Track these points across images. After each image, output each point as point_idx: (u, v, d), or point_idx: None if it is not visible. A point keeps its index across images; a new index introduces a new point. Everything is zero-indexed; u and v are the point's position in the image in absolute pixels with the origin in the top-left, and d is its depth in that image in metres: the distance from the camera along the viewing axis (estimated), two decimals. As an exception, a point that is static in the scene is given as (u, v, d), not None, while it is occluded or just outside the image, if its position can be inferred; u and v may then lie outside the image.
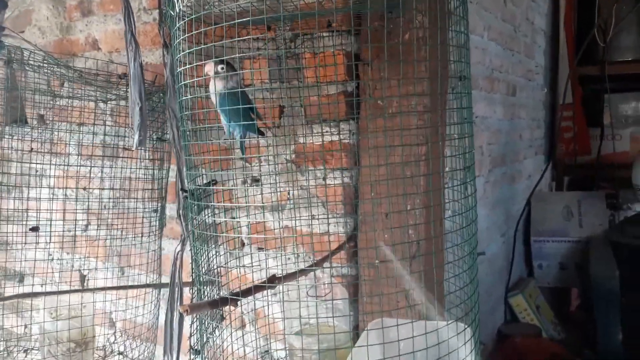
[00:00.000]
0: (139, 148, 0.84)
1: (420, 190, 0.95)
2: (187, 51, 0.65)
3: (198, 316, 0.76)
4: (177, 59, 0.68)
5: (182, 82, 0.68)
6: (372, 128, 1.01)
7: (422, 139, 0.95)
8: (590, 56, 2.68)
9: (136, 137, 0.80)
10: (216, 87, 0.74)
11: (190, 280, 0.82)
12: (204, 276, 0.77)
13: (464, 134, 0.74)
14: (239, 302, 0.96)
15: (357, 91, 1.02)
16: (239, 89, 0.76)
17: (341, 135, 1.03)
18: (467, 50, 0.72)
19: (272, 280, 0.67)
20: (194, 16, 0.64)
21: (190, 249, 0.77)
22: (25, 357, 1.38)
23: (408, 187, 0.94)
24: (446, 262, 0.86)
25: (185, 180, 0.76)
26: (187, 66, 0.69)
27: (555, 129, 2.78)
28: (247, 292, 0.65)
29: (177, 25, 0.67)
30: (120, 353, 1.38)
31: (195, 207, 0.74)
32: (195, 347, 0.75)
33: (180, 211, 0.86)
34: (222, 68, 0.75)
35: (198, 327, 0.76)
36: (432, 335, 0.71)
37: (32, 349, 1.37)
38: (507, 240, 2.21)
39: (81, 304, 1.26)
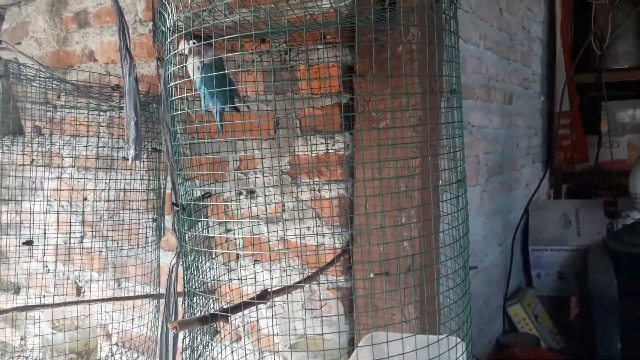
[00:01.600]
0: (134, 161, 0.84)
1: (415, 203, 0.95)
2: (178, 66, 0.65)
3: (190, 331, 0.76)
4: (168, 73, 0.68)
5: (174, 97, 0.68)
6: (366, 140, 1.01)
7: (416, 151, 0.96)
8: (587, 64, 2.69)
9: (132, 150, 0.80)
10: (193, 61, 0.73)
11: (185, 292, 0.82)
12: (196, 290, 0.76)
13: (456, 148, 0.74)
14: (231, 317, 0.95)
15: (352, 103, 1.02)
16: (214, 57, 0.75)
17: (336, 147, 1.03)
18: (458, 64, 0.72)
19: (264, 296, 0.67)
20: (183, 32, 0.64)
21: (182, 263, 0.77)
22: None
23: (402, 200, 0.94)
24: (440, 275, 0.85)
25: (177, 194, 0.76)
26: (178, 81, 0.69)
27: (553, 137, 2.78)
28: (236, 309, 0.64)
29: (169, 39, 0.67)
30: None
31: (186, 221, 0.74)
32: (187, 362, 0.75)
33: (175, 224, 0.86)
34: (194, 42, 0.74)
35: (190, 342, 0.75)
36: (426, 349, 0.71)
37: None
38: (504, 249, 2.21)
39: (77, 316, 1.26)
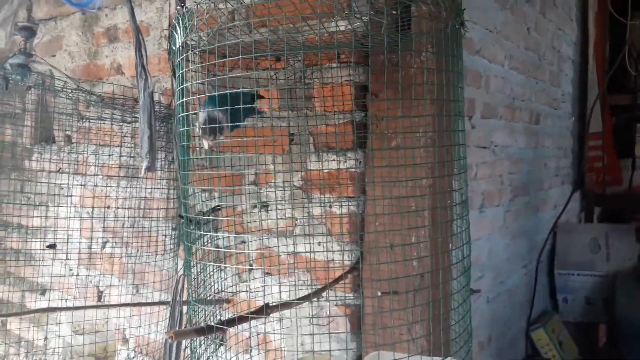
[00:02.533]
0: (148, 173, 0.86)
1: (425, 222, 0.94)
2: (181, 86, 0.68)
3: (192, 341, 0.77)
4: (178, 90, 0.71)
5: (181, 114, 0.70)
6: (377, 158, 1.02)
7: (427, 172, 0.96)
8: (621, 85, 2.63)
9: (145, 163, 0.83)
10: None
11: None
12: (198, 300, 0.78)
13: (460, 170, 0.74)
14: (241, 327, 0.97)
15: (365, 121, 1.03)
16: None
17: (348, 164, 1.04)
18: (462, 88, 0.72)
19: (261, 311, 0.68)
20: (190, 52, 0.67)
21: (185, 274, 0.78)
22: None
23: (412, 219, 0.94)
24: (447, 295, 0.85)
25: (184, 206, 0.78)
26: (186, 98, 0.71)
27: (584, 159, 2.71)
28: (233, 322, 0.65)
29: (179, 58, 0.69)
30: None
31: (191, 234, 0.76)
32: (190, 372, 0.76)
33: (181, 235, 0.88)
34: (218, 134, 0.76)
35: (192, 353, 0.77)
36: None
37: None
38: (529, 272, 2.16)
39: (96, 320, 1.29)
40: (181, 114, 0.71)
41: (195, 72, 0.77)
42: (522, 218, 2.04)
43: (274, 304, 0.72)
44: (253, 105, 0.93)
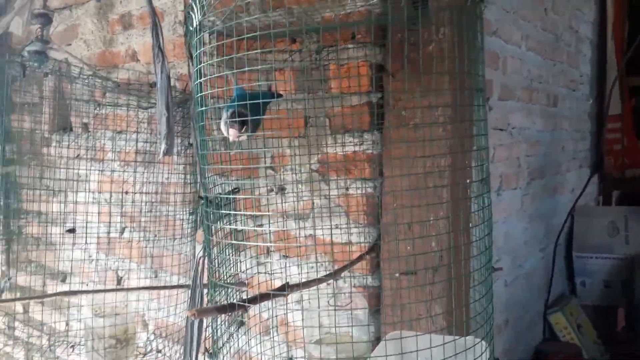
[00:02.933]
0: (164, 157, 0.87)
1: (444, 201, 0.94)
2: (197, 67, 0.68)
3: (213, 321, 0.78)
4: (195, 71, 0.71)
5: (198, 94, 0.71)
6: (395, 139, 1.01)
7: (446, 150, 0.95)
8: (640, 65, 2.57)
9: (162, 146, 0.83)
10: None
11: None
12: (219, 282, 0.78)
13: (480, 146, 0.73)
14: (261, 308, 0.97)
15: (382, 102, 1.02)
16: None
17: (364, 146, 1.04)
18: (483, 62, 0.71)
19: (282, 289, 0.68)
20: (207, 31, 0.66)
21: (207, 254, 0.79)
22: (72, 352, 1.44)
23: (431, 198, 0.93)
24: (466, 274, 0.84)
25: (204, 187, 0.78)
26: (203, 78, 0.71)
27: (602, 141, 2.67)
28: (254, 300, 0.66)
29: (196, 38, 0.69)
30: (158, 351, 1.42)
31: (212, 214, 0.76)
32: (210, 351, 0.77)
33: (201, 216, 0.88)
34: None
35: (213, 332, 0.78)
36: (449, 349, 0.70)
37: (79, 344, 1.43)
38: (546, 255, 2.14)
39: (116, 304, 1.31)
40: (198, 95, 0.71)
41: (212, 54, 0.77)
42: (539, 201, 2.02)
43: (291, 283, 0.72)
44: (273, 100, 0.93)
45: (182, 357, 0.90)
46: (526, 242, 1.92)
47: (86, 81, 1.16)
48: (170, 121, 0.83)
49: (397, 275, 0.97)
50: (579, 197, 2.34)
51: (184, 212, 1.32)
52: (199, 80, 0.69)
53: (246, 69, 0.73)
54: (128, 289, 1.29)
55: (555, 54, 2.07)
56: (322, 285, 0.97)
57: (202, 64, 0.69)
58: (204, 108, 0.71)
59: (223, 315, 0.77)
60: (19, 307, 1.85)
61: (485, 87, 0.73)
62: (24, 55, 1.04)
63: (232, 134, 0.76)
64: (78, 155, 1.51)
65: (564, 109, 2.24)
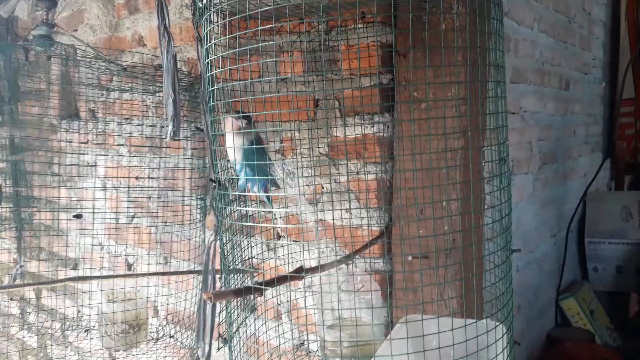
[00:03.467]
0: (173, 139, 0.85)
1: (457, 186, 0.92)
2: (206, 45, 0.66)
3: (227, 305, 0.77)
4: (204, 50, 0.69)
5: (209, 73, 0.69)
6: (407, 120, 0.99)
7: (459, 130, 0.93)
8: (654, 48, 2.52)
9: (169, 128, 0.82)
10: (237, 142, 0.77)
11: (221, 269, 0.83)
12: (233, 265, 0.78)
13: (500, 125, 0.71)
14: (272, 293, 0.97)
15: (393, 83, 1.00)
16: (262, 145, 0.80)
17: (375, 128, 1.02)
18: (502, 37, 0.69)
19: (299, 272, 0.67)
20: (218, 6, 0.65)
21: (220, 239, 0.78)
22: (86, 336, 1.44)
23: (443, 180, 0.91)
24: (480, 256, 0.83)
25: (214, 170, 0.77)
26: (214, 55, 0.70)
27: (615, 126, 2.63)
28: (271, 283, 0.65)
29: (205, 16, 0.68)
30: (171, 337, 1.42)
31: (223, 197, 0.75)
32: (224, 336, 0.76)
33: (213, 201, 0.87)
34: (247, 123, 0.78)
35: (227, 317, 0.77)
36: (464, 333, 0.69)
37: (93, 329, 1.44)
38: (558, 241, 2.12)
39: (127, 289, 1.31)
40: (208, 74, 0.70)
41: (219, 33, 0.76)
42: (550, 186, 2.00)
43: (308, 267, 0.71)
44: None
45: (195, 343, 0.90)
46: (537, 228, 1.90)
47: (93, 65, 1.14)
48: (176, 103, 0.82)
49: (409, 258, 0.96)
50: (591, 182, 2.32)
51: (193, 198, 1.32)
52: (208, 59, 0.68)
53: (252, 46, 0.71)
54: (139, 275, 1.28)
55: (568, 36, 2.03)
56: (334, 270, 0.96)
57: (211, 42, 0.67)
58: (213, 88, 0.69)
59: (237, 300, 0.76)
60: (31, 294, 1.86)
61: (504, 64, 0.71)
62: (29, 40, 1.03)
63: (228, 122, 0.76)
64: (88, 140, 1.50)
65: (576, 92, 2.20)
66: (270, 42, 0.68)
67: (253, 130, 0.80)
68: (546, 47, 1.82)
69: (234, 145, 0.76)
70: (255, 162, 0.76)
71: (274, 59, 0.88)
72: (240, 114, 0.80)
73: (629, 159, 2.68)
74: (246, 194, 0.81)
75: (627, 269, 2.23)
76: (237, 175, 0.79)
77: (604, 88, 2.57)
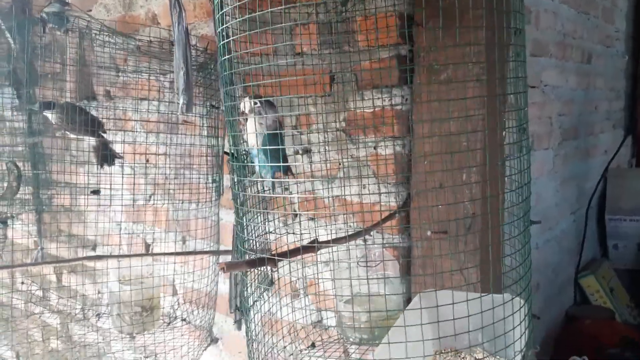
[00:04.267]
0: (186, 114, 0.84)
1: (477, 155, 0.90)
2: (221, 27, 0.64)
3: (242, 279, 0.77)
4: (219, 32, 0.68)
5: (225, 40, 0.68)
6: (426, 94, 0.97)
7: (480, 103, 0.91)
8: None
9: (181, 101, 0.81)
10: (257, 126, 0.76)
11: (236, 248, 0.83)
12: (249, 242, 0.77)
13: (519, 91, 0.69)
14: (289, 270, 0.96)
15: (411, 55, 0.98)
16: (280, 130, 0.79)
17: (394, 101, 1.00)
18: (522, 0, 0.67)
19: (312, 244, 0.66)
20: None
21: (235, 212, 0.77)
22: (98, 320, 1.46)
23: (463, 153, 0.90)
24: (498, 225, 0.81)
25: (232, 142, 0.76)
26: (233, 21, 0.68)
27: (638, 101, 2.56)
28: (284, 255, 0.64)
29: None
30: (183, 319, 1.43)
31: (239, 169, 0.74)
32: (241, 309, 0.76)
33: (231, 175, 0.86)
34: (256, 104, 0.76)
35: (242, 290, 0.77)
36: (481, 305, 0.68)
37: (104, 313, 1.45)
38: (578, 218, 2.08)
39: (143, 271, 1.32)
40: (223, 42, 0.68)
41: (235, 7, 0.74)
42: (571, 163, 1.96)
43: (320, 240, 0.70)
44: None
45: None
46: (557, 205, 1.87)
47: (110, 41, 1.13)
48: (188, 76, 0.81)
49: (428, 233, 0.95)
50: (612, 158, 2.27)
51: (209, 177, 1.31)
52: (223, 42, 0.66)
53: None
54: (157, 254, 1.29)
55: (590, 7, 1.97)
56: (352, 246, 0.95)
57: (227, 24, 0.66)
58: (230, 55, 0.68)
59: (254, 273, 0.76)
60: (52, 277, 1.89)
61: (524, 27, 0.69)
62: (43, 17, 1.02)
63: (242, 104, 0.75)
64: (104, 123, 1.50)
65: (599, 66, 2.15)
66: (284, 7, 0.66)
67: (271, 115, 0.79)
68: (567, 19, 1.77)
69: (255, 131, 0.75)
70: (268, 147, 0.75)
71: (290, 24, 0.86)
72: (258, 98, 0.79)
73: (652, 135, 2.61)
74: (259, 179, 0.80)
75: (648, 247, 2.19)
76: (252, 161, 0.78)
77: (626, 62, 2.50)
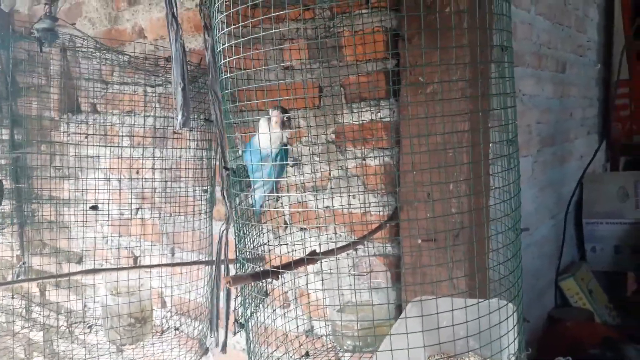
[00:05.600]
0: (183, 129, 0.86)
1: (464, 168, 0.93)
2: (217, 35, 0.66)
3: (242, 291, 0.78)
4: (217, 38, 0.70)
5: (222, 61, 0.69)
6: (413, 105, 1.00)
7: (465, 115, 0.94)
8: (648, 29, 2.54)
9: (179, 117, 0.82)
10: (273, 140, 0.78)
11: (235, 258, 0.84)
12: (247, 253, 0.79)
13: (507, 106, 0.73)
14: (282, 281, 0.98)
15: (398, 69, 1.01)
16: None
17: (381, 114, 1.03)
18: (509, 18, 0.70)
19: (311, 256, 0.68)
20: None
21: (234, 226, 0.79)
22: (90, 332, 1.45)
23: (450, 166, 0.93)
24: (488, 235, 0.84)
25: (228, 159, 0.78)
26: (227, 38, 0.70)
27: (610, 107, 2.65)
28: (288, 266, 0.66)
29: (217, 4, 0.68)
30: (176, 329, 1.43)
31: (238, 184, 0.76)
32: (240, 321, 0.78)
33: (224, 190, 0.88)
34: (288, 118, 0.79)
35: (242, 302, 0.78)
36: (474, 311, 0.71)
37: (96, 324, 1.44)
38: (557, 222, 2.14)
39: (134, 283, 1.32)
40: (221, 63, 0.70)
41: (224, 22, 0.76)
42: (549, 169, 2.02)
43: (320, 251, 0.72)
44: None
45: (208, 332, 0.91)
46: (537, 210, 1.92)
47: (99, 56, 1.14)
48: (186, 92, 0.82)
49: (419, 242, 0.98)
50: (589, 163, 2.34)
51: (199, 189, 1.32)
52: (221, 47, 0.68)
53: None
54: (146, 266, 1.29)
55: (564, 18, 2.04)
56: (342, 256, 0.97)
57: (222, 32, 0.67)
58: (226, 76, 0.70)
59: (251, 285, 0.78)
60: (35, 290, 1.86)
61: (511, 45, 0.72)
62: (34, 33, 1.03)
63: (275, 115, 0.78)
64: (87, 135, 1.50)
65: (572, 75, 2.22)
66: (275, 30, 0.69)
67: (282, 130, 0.82)
68: (543, 30, 1.84)
69: (270, 146, 0.78)
70: (286, 162, 0.78)
71: (279, 47, 0.89)
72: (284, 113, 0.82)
73: (624, 140, 2.70)
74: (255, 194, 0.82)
75: (624, 249, 2.26)
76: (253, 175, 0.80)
77: (598, 70, 2.59)
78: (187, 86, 0.81)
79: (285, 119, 0.77)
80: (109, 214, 1.43)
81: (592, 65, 2.51)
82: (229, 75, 0.69)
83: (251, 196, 0.81)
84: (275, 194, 0.90)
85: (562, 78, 2.10)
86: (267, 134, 0.80)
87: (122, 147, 1.45)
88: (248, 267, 0.82)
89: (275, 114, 0.76)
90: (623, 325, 2.12)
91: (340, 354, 1.02)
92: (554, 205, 2.11)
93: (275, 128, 0.79)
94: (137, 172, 1.45)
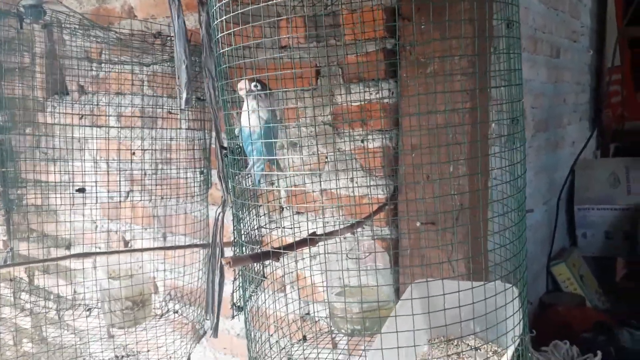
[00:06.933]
0: (186, 107, 0.83)
1: (465, 149, 0.92)
2: (216, 21, 0.64)
3: (240, 274, 0.76)
4: (212, 12, 0.67)
5: (218, 35, 0.67)
6: (413, 86, 0.98)
7: (467, 96, 0.92)
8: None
9: (184, 95, 0.79)
10: (251, 120, 0.75)
11: (231, 241, 0.82)
12: (245, 235, 0.77)
13: (512, 82, 0.71)
14: (282, 263, 0.96)
15: (398, 48, 0.99)
16: (276, 124, 0.78)
17: (380, 95, 1.01)
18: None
19: (313, 237, 0.66)
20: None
21: (231, 207, 0.77)
22: (89, 314, 1.42)
23: (450, 148, 0.91)
24: (491, 217, 0.83)
25: (225, 138, 0.75)
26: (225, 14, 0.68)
27: (602, 94, 2.66)
28: (289, 247, 0.64)
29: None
30: (175, 312, 1.41)
31: (236, 163, 0.74)
32: (238, 304, 0.76)
33: (221, 173, 0.86)
34: (256, 86, 0.75)
35: (240, 285, 0.76)
36: (477, 294, 0.69)
37: (95, 307, 1.41)
38: (549, 208, 2.15)
39: (130, 266, 1.29)
40: (218, 36, 0.67)
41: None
42: (542, 155, 2.02)
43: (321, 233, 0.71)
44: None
45: (204, 315, 0.89)
46: (531, 196, 1.91)
47: (89, 34, 1.10)
48: (189, 69, 0.79)
49: (417, 224, 0.96)
50: (582, 149, 2.35)
51: (192, 172, 1.29)
52: (217, 22, 0.65)
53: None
54: (141, 250, 1.26)
55: (558, 2, 2.03)
56: (340, 239, 0.96)
57: (221, 18, 0.65)
58: (229, 48, 0.67)
59: (249, 268, 0.76)
60: (23, 276, 1.83)
61: (518, 18, 0.70)
62: (20, 10, 0.98)
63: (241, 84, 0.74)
64: (82, 115, 1.46)
65: (566, 60, 2.21)
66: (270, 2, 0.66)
67: (268, 103, 0.78)
68: (538, 14, 1.82)
69: (249, 124, 0.74)
70: (263, 141, 0.75)
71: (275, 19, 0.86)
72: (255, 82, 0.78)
73: (615, 126, 2.72)
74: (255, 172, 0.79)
75: (615, 234, 2.28)
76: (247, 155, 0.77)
77: (590, 56, 2.59)
78: (190, 63, 0.78)
79: (253, 87, 0.74)
80: (96, 198, 1.40)
81: (584, 51, 2.51)
82: (226, 48, 0.66)
83: (249, 175, 0.78)
84: (270, 173, 0.87)
85: (556, 63, 2.09)
86: (246, 112, 0.76)
87: (110, 127, 1.41)
88: (246, 249, 0.80)
89: (241, 84, 0.73)
90: (613, 310, 2.14)
91: (338, 339, 1.01)
92: (547, 191, 2.11)
93: (242, 94, 0.76)
94: (134, 154, 1.41)
